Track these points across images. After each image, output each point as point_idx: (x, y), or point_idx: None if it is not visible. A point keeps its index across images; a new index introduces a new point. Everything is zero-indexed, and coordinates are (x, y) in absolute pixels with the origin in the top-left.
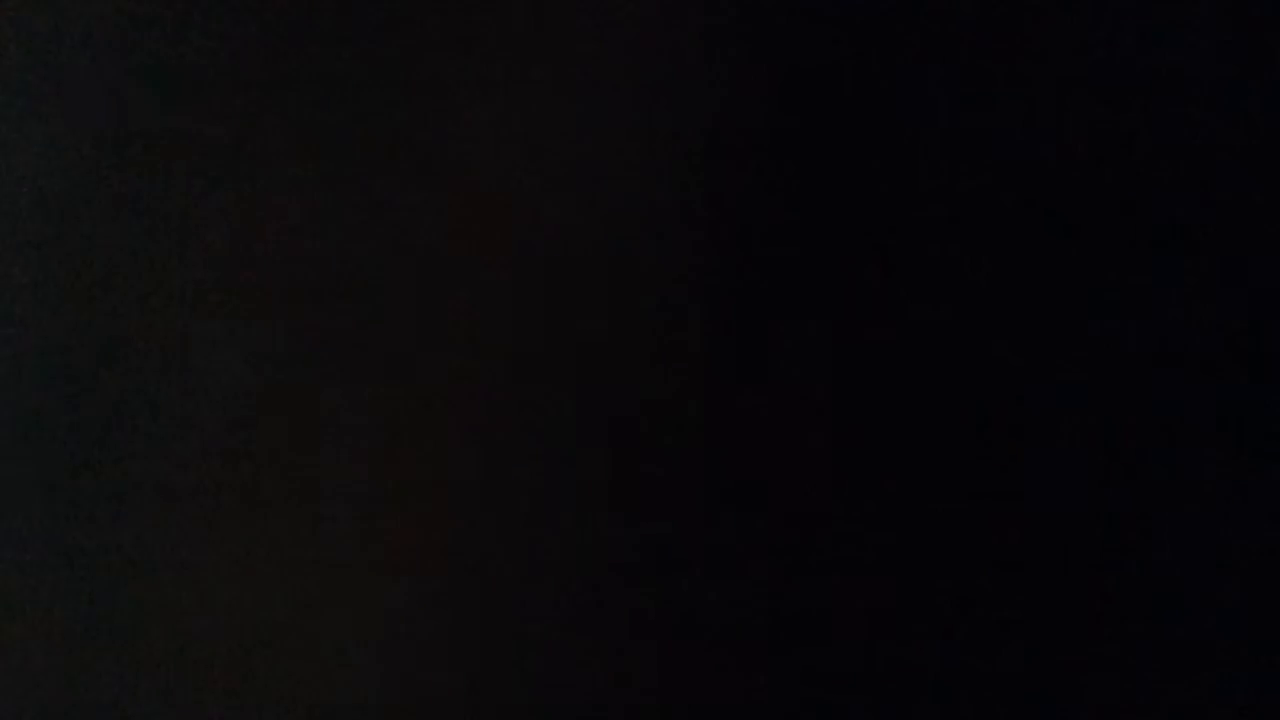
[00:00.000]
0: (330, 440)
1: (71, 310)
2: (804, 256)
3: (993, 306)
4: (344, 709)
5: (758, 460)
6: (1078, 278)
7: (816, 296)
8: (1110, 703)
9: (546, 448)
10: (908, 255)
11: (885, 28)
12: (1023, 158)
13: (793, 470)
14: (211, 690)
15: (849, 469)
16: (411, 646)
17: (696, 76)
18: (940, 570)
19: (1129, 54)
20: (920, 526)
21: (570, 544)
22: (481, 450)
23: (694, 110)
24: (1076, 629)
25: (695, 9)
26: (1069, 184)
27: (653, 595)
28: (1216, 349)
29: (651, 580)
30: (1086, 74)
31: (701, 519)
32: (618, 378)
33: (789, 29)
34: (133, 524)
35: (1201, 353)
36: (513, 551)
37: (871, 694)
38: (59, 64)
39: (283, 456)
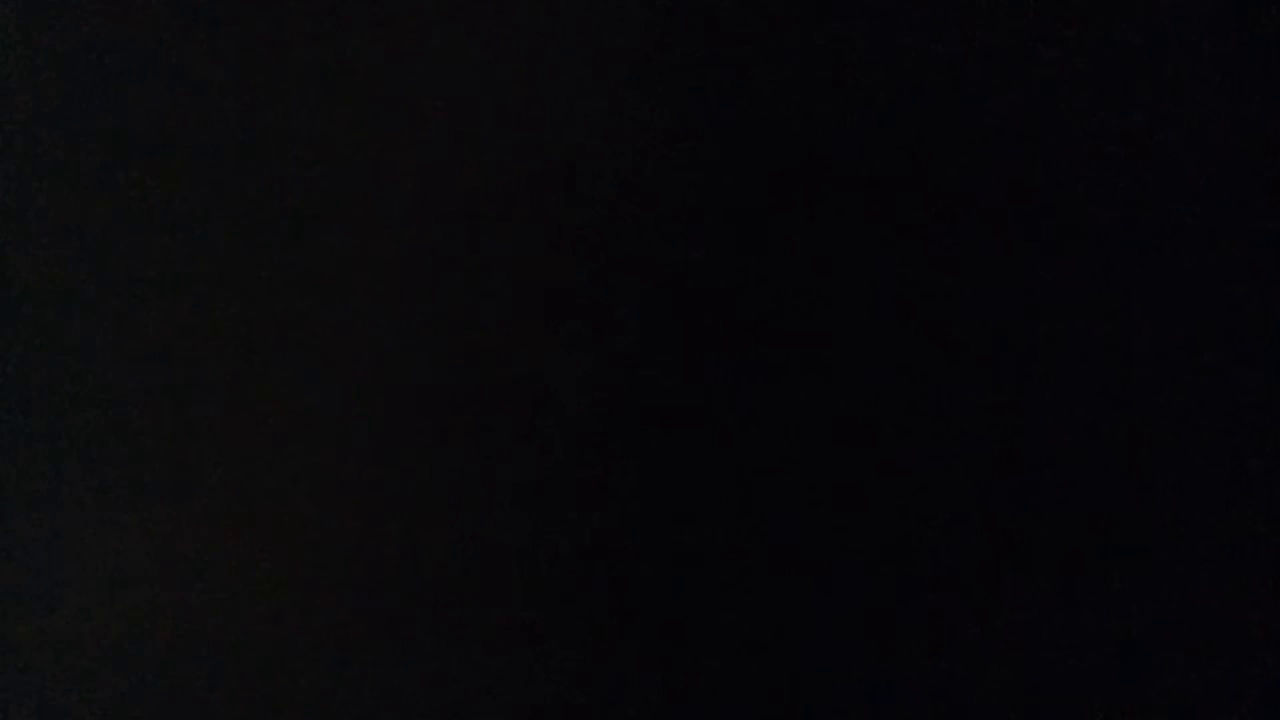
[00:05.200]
0: (323, 436)
1: (73, 309)
2: (802, 255)
3: (987, 305)
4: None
5: (753, 459)
6: (1076, 278)
7: (812, 294)
8: (1108, 702)
9: (542, 446)
10: (906, 255)
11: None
12: (1021, 156)
13: (787, 469)
14: (210, 689)
15: (842, 468)
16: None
17: (697, 70)
18: (940, 570)
19: (1124, 54)
20: (918, 525)
21: (566, 543)
22: (474, 449)
23: (694, 105)
24: (1074, 629)
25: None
26: (1066, 183)
27: (643, 594)
28: (1216, 349)
29: (642, 579)
30: (1083, 75)
31: (689, 518)
32: (609, 376)
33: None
34: (133, 523)
35: (1201, 352)
36: (513, 550)
37: (865, 693)
38: (59, 64)
39: (278, 452)
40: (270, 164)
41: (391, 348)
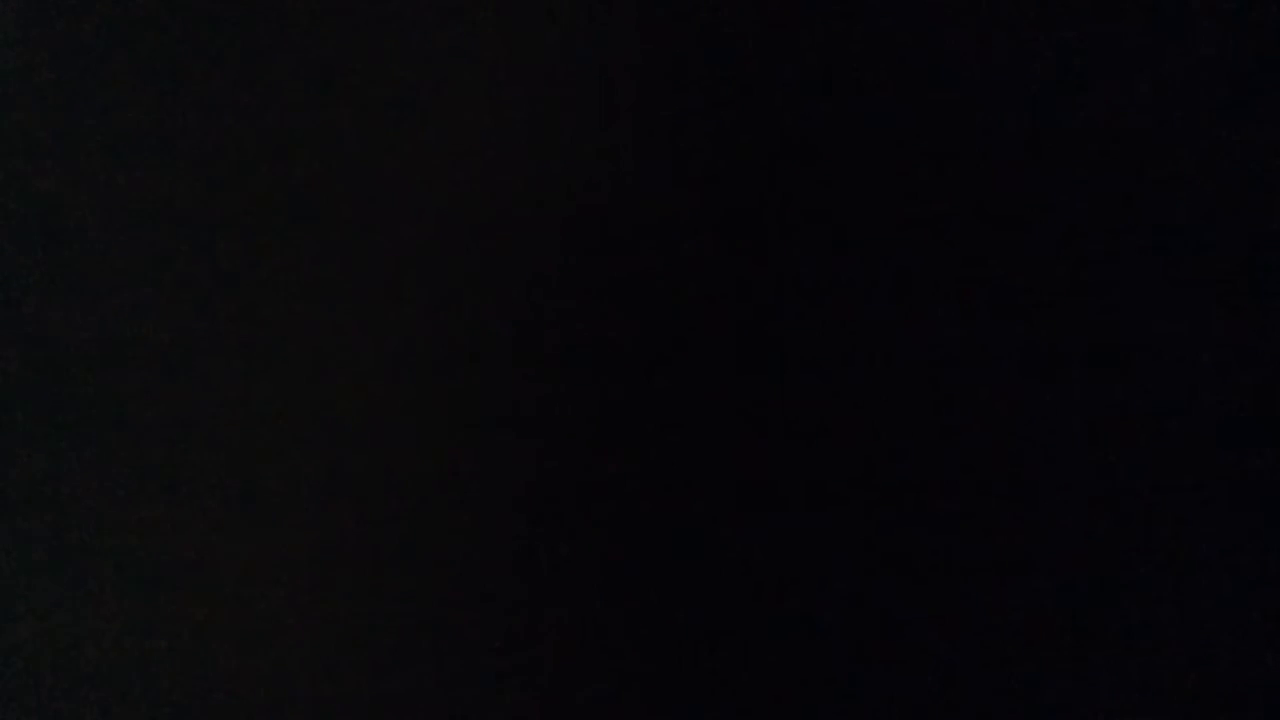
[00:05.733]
0: (335, 439)
1: (73, 308)
2: (802, 255)
3: (984, 305)
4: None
5: (750, 458)
6: (1075, 278)
7: (812, 293)
8: (1108, 703)
9: (542, 446)
10: (906, 255)
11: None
12: (1019, 156)
13: (784, 470)
14: (211, 688)
15: (840, 470)
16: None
17: (700, 74)
18: (940, 571)
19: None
20: (917, 526)
21: (567, 543)
22: (475, 448)
23: (697, 106)
24: (1074, 630)
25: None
26: (1065, 183)
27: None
28: (1216, 349)
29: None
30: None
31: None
32: (605, 375)
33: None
34: (133, 522)
35: (1201, 352)
36: (515, 550)
37: (861, 695)
38: (59, 64)
39: (288, 455)
40: (270, 164)
41: (392, 348)
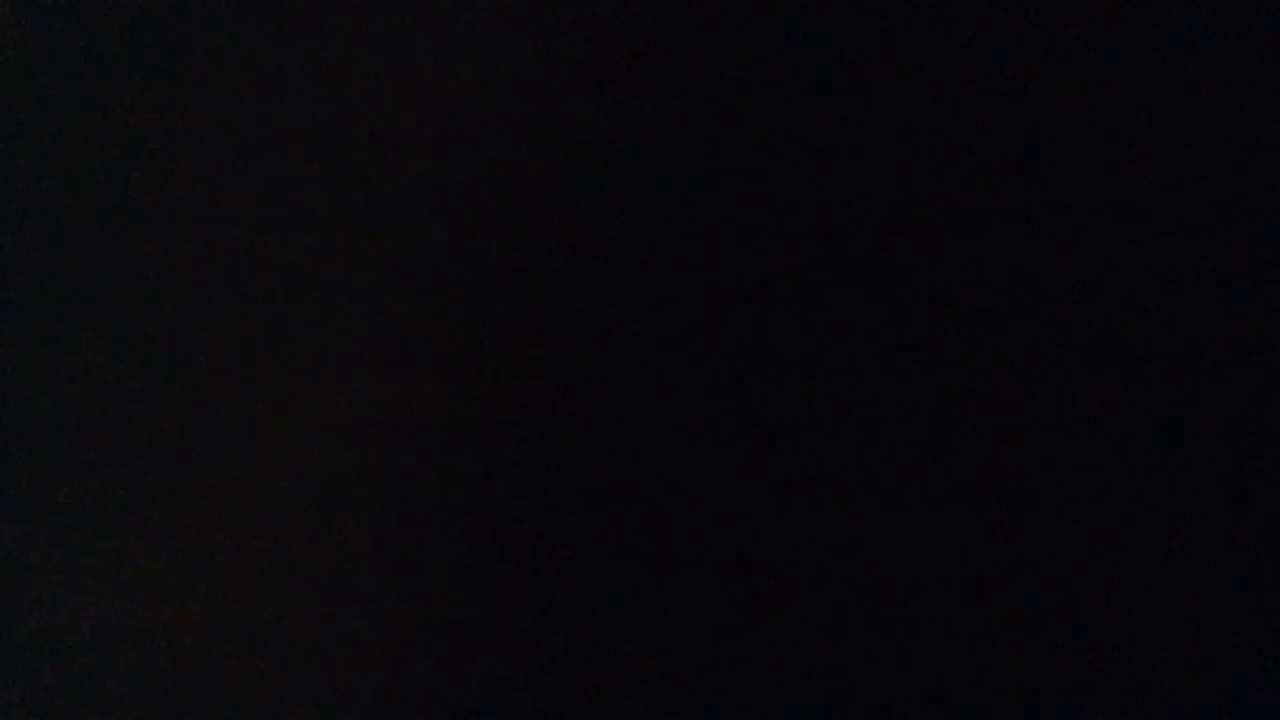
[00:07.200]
0: (327, 439)
1: (73, 309)
2: (802, 254)
3: (985, 303)
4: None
5: (749, 458)
6: (1074, 277)
7: (813, 293)
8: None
9: (540, 447)
10: (907, 256)
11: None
12: (1019, 156)
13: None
14: (211, 688)
15: (840, 471)
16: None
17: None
18: (937, 569)
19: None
20: (915, 525)
21: (566, 543)
22: (474, 450)
23: (694, 108)
24: (1073, 630)
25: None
26: (1065, 181)
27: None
28: (1216, 349)
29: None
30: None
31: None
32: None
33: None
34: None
35: (1201, 352)
36: (513, 549)
37: (862, 694)
38: (59, 64)
39: (284, 454)
40: (270, 164)
41: (391, 349)
